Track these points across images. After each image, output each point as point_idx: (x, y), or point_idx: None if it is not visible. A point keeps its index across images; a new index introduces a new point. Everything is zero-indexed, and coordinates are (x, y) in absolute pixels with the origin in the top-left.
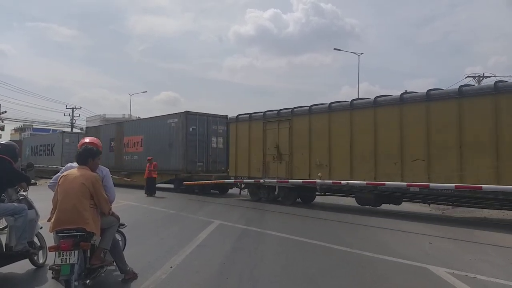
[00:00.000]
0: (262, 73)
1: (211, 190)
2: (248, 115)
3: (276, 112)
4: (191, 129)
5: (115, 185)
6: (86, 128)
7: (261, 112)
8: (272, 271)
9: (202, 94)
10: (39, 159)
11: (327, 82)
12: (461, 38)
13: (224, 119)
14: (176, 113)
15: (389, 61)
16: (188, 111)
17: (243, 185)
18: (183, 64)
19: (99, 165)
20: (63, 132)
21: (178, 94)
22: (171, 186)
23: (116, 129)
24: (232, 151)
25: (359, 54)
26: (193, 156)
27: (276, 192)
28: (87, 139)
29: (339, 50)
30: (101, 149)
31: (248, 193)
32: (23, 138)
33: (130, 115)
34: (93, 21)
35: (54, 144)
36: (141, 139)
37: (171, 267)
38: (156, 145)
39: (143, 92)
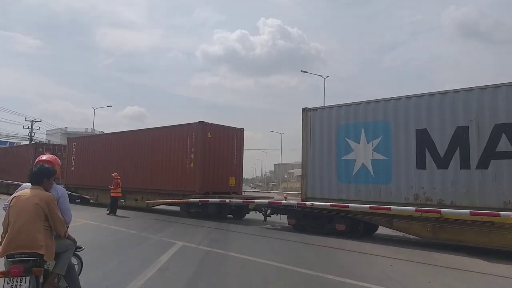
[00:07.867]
0: (229, 91)
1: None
2: None
3: None
4: None
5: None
6: None
7: None
8: None
9: (169, 109)
10: None
11: (293, 102)
12: (421, 65)
13: None
14: None
15: (354, 84)
16: None
17: None
18: (150, 79)
19: (56, 185)
20: None
21: (145, 109)
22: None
23: None
24: None
25: (324, 77)
26: None
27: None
28: (44, 157)
29: (306, 72)
30: (58, 168)
31: None
32: None
33: (93, 129)
34: (60, 32)
35: None
36: None
37: None
38: None
39: (108, 106)
